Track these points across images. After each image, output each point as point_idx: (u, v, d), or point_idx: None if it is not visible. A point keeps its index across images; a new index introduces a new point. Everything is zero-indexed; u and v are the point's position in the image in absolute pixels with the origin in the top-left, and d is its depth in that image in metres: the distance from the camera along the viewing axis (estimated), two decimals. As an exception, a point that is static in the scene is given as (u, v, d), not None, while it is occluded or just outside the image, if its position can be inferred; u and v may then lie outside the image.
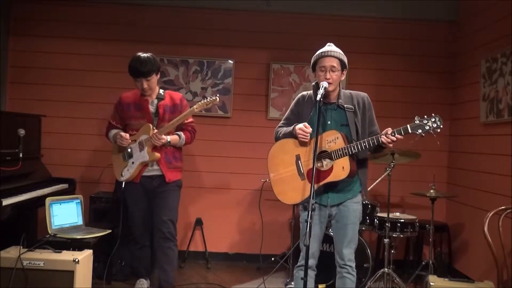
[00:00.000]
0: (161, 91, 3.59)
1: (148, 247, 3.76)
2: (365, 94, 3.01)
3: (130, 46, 4.99)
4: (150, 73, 3.41)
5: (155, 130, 3.42)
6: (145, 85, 3.43)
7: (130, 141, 3.49)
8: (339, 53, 2.89)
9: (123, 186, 3.57)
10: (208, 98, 3.38)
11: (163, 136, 3.42)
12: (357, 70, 4.96)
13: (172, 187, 3.57)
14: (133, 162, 3.52)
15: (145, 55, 3.44)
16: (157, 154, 3.46)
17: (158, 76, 3.54)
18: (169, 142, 3.48)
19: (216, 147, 5.04)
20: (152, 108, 3.53)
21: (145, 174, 3.54)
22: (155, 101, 3.54)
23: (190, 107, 3.47)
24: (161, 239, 3.53)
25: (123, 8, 5.02)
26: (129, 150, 3.53)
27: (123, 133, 3.51)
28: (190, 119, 3.65)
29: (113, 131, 3.65)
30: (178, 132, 3.59)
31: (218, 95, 3.42)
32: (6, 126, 3.72)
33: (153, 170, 3.53)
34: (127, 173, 3.53)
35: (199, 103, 3.37)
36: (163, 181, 3.53)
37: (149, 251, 3.77)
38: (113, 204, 4.44)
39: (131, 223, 3.69)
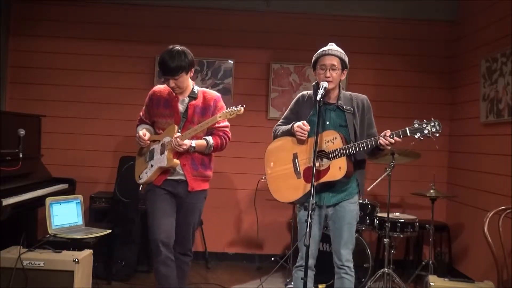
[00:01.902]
0: (196, 88, 3.16)
1: (173, 261, 3.14)
2: (365, 96, 3.00)
3: (130, 46, 5.02)
4: (178, 71, 2.98)
5: (178, 134, 3.01)
6: (172, 84, 3.04)
7: (148, 142, 3.13)
8: (340, 52, 2.89)
9: (140, 189, 3.25)
10: (233, 107, 2.98)
11: (186, 142, 2.99)
12: (357, 70, 4.95)
13: (198, 199, 3.19)
14: (152, 165, 3.12)
15: (177, 48, 3.01)
16: (176, 161, 3.04)
17: (191, 73, 3.12)
18: (194, 148, 3.05)
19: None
20: (181, 108, 3.13)
21: (170, 177, 3.12)
22: (186, 100, 3.13)
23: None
24: (180, 254, 3.22)
25: (123, 8, 5.02)
26: (152, 150, 3.15)
27: (141, 132, 3.12)
28: (224, 123, 3.19)
29: (140, 127, 3.26)
30: (207, 137, 3.13)
31: (244, 105, 3.00)
32: (6, 126, 3.71)
33: (179, 174, 3.12)
34: (145, 175, 3.15)
35: (223, 112, 2.99)
36: (188, 189, 3.13)
37: (175, 266, 3.16)
38: (113, 204, 4.46)
39: (155, 227, 3.08)
